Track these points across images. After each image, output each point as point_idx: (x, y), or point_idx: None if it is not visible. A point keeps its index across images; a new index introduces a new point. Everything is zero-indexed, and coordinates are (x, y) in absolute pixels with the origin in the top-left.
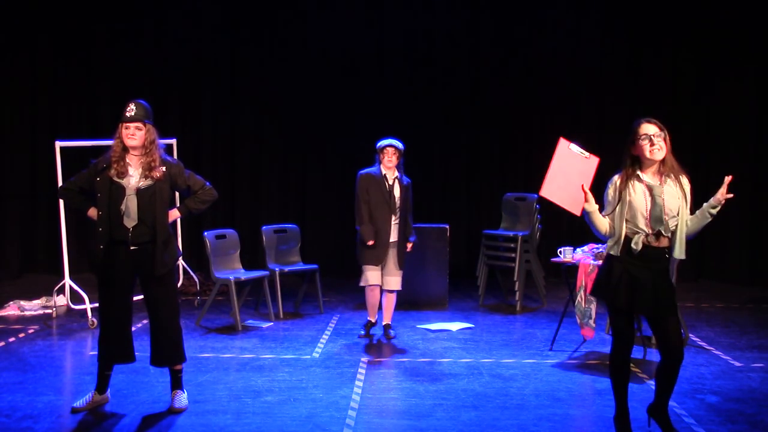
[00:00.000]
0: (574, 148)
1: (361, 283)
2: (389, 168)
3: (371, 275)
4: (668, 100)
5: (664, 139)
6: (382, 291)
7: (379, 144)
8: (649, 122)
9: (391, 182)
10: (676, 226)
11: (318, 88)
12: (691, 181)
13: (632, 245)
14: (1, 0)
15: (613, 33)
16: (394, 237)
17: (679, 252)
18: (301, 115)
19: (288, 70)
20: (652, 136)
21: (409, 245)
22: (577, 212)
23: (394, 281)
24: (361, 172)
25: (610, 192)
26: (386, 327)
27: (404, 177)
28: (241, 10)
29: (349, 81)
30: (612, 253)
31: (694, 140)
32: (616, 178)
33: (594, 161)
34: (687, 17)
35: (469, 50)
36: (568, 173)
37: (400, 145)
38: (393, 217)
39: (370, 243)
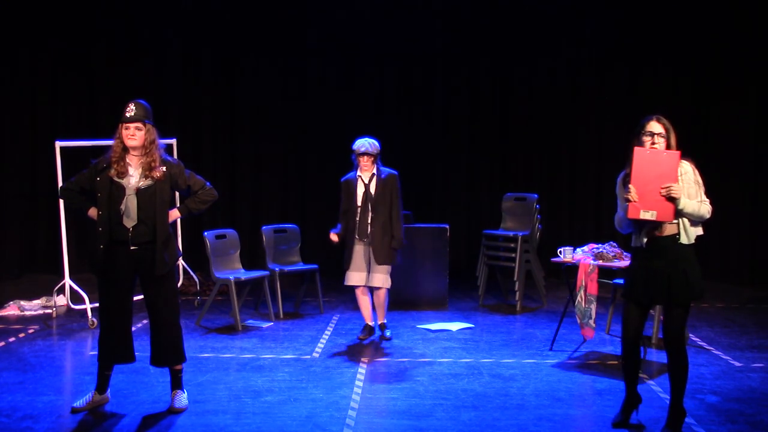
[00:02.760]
0: (651, 151)
1: (344, 282)
2: (366, 170)
3: (349, 276)
4: (667, 104)
5: (666, 139)
6: (372, 291)
7: (354, 146)
8: (657, 121)
9: (367, 181)
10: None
11: (318, 88)
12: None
13: (638, 239)
14: (2, 0)
15: (612, 45)
16: (369, 235)
17: (685, 238)
18: (301, 115)
19: (288, 70)
20: (655, 135)
21: (395, 242)
22: (671, 218)
23: (378, 278)
24: (343, 179)
25: (618, 191)
26: (381, 327)
27: (384, 171)
28: (241, 11)
29: (349, 81)
30: (633, 245)
31: (693, 139)
32: (620, 177)
33: (675, 155)
34: (686, 36)
35: (469, 52)
36: (652, 181)
37: (374, 147)
38: (368, 215)
39: (335, 239)
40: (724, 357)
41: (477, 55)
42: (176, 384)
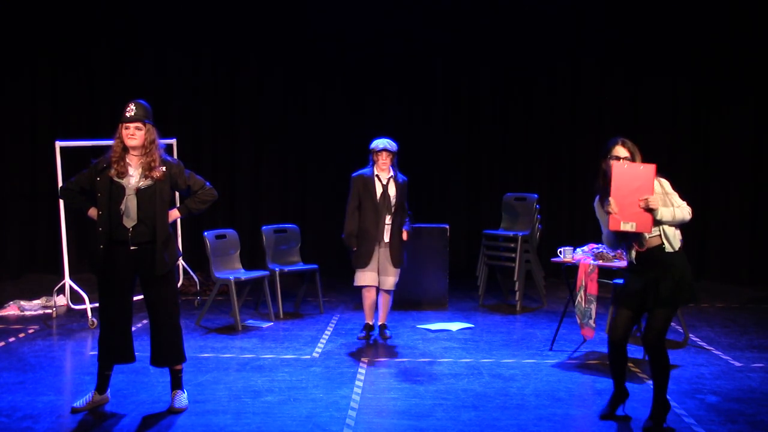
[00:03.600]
0: (629, 165)
1: (354, 283)
2: (383, 170)
3: (363, 276)
4: (667, 104)
5: (632, 163)
6: (378, 291)
7: (372, 145)
8: (623, 145)
9: (385, 182)
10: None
11: (318, 87)
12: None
13: (629, 256)
14: (2, 1)
15: (613, 45)
16: (387, 237)
17: (669, 247)
18: (301, 114)
19: (288, 69)
20: (621, 159)
21: (405, 234)
22: (650, 229)
23: (390, 281)
24: (354, 174)
25: (598, 214)
26: (381, 327)
27: (399, 175)
28: (240, 10)
29: (349, 80)
30: (626, 261)
31: (693, 139)
32: (597, 201)
33: (650, 168)
34: (685, 37)
35: (470, 52)
36: (630, 194)
37: (393, 146)
38: (387, 217)
39: (354, 249)
40: (724, 357)
41: (477, 55)
42: (176, 384)
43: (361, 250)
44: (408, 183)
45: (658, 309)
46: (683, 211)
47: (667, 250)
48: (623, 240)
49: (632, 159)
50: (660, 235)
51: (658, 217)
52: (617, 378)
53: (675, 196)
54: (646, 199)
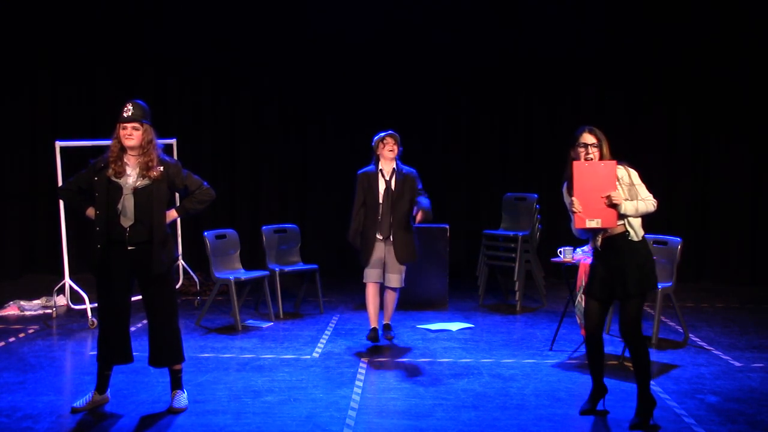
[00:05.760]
0: (590, 163)
1: (363, 279)
2: (389, 159)
3: (368, 273)
4: (667, 104)
5: (599, 149)
6: (384, 288)
7: (376, 137)
8: (590, 132)
9: (388, 177)
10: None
11: (318, 88)
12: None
13: (594, 242)
14: (3, 1)
15: (612, 45)
16: (391, 234)
17: (634, 235)
18: (301, 114)
19: (288, 69)
20: (588, 146)
21: (419, 216)
22: (615, 224)
23: (395, 278)
24: (360, 171)
25: (566, 200)
26: (386, 327)
27: (404, 167)
28: (240, 10)
29: (348, 81)
30: (591, 248)
31: (693, 138)
32: (564, 188)
33: (611, 165)
34: (684, 36)
35: (469, 51)
36: (593, 191)
37: (398, 136)
38: (389, 213)
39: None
40: (724, 357)
41: (477, 54)
42: (176, 384)
43: (364, 247)
44: (417, 176)
45: (630, 299)
46: (647, 204)
47: (630, 238)
48: (587, 229)
49: (599, 146)
50: (624, 224)
51: (622, 212)
52: (595, 373)
53: (642, 188)
54: (609, 196)
